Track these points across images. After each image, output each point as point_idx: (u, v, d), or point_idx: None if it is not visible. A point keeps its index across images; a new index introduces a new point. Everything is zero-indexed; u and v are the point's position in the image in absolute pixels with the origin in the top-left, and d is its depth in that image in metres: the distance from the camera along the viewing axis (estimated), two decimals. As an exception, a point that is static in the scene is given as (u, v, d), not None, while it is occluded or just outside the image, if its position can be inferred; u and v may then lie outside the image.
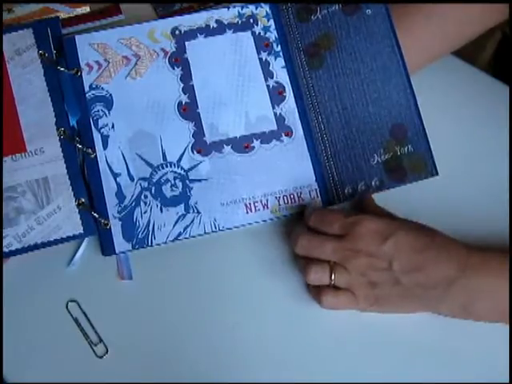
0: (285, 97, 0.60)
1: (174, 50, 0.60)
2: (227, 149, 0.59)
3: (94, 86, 0.59)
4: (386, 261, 0.51)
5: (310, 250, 0.53)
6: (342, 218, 0.52)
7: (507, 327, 0.53)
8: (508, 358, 0.52)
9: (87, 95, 0.59)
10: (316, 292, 0.54)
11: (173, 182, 0.58)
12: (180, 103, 0.59)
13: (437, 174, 0.59)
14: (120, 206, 0.57)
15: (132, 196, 0.57)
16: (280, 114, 0.60)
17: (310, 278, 0.53)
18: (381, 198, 0.59)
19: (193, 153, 0.59)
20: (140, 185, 0.58)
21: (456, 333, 0.54)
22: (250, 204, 0.58)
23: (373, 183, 0.58)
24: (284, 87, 0.60)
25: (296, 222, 0.57)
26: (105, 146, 0.58)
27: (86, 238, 0.59)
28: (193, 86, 0.60)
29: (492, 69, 0.97)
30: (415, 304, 0.53)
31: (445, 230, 0.53)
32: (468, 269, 0.50)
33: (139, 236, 0.57)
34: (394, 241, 0.51)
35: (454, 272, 0.50)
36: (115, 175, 0.58)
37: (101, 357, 0.55)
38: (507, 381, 0.52)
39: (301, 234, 0.54)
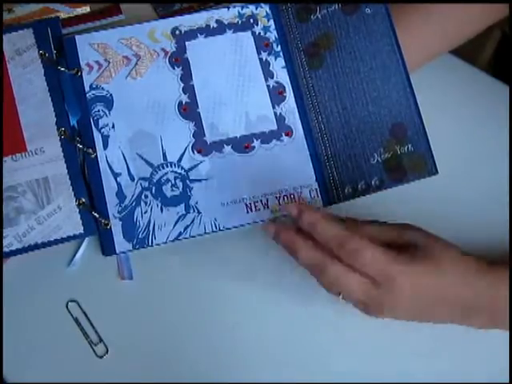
0: (285, 97, 0.60)
1: (174, 49, 0.60)
2: (227, 149, 0.59)
3: (94, 86, 0.59)
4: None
5: (334, 283, 0.50)
6: (385, 265, 0.48)
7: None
8: (508, 358, 0.52)
9: (87, 95, 0.59)
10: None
11: (173, 181, 0.58)
12: (180, 103, 0.59)
13: (437, 172, 0.58)
14: (120, 205, 0.57)
15: (132, 196, 0.57)
16: (280, 113, 0.60)
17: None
18: (380, 198, 0.59)
19: (193, 153, 0.59)
20: (140, 185, 0.58)
21: (456, 333, 0.54)
22: (250, 204, 0.58)
23: (373, 182, 0.58)
24: (284, 87, 0.60)
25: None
26: (105, 145, 0.58)
27: (87, 238, 0.59)
28: (193, 85, 0.60)
29: (492, 69, 0.97)
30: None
31: (445, 229, 0.53)
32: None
33: (139, 236, 0.57)
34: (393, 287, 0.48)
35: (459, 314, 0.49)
36: (115, 175, 0.58)
37: (101, 357, 0.55)
38: (507, 381, 0.52)
39: (321, 257, 0.49)
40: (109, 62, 0.60)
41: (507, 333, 0.53)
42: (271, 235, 0.53)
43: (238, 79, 0.60)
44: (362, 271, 0.47)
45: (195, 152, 0.59)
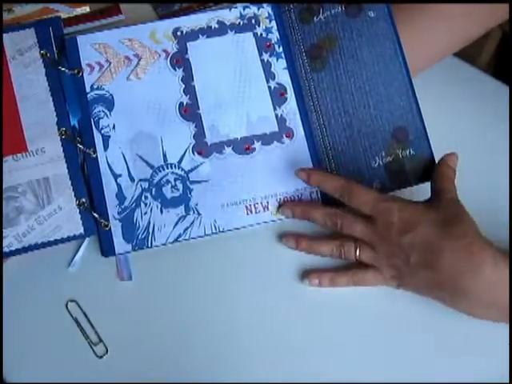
0: (286, 98, 0.60)
1: (175, 50, 0.60)
2: (228, 150, 0.59)
3: (95, 87, 0.59)
4: (404, 253, 0.52)
5: (342, 225, 0.55)
6: (376, 202, 0.53)
7: (507, 327, 0.53)
8: (508, 358, 0.52)
9: (88, 95, 0.59)
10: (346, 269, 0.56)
11: (173, 183, 0.58)
12: (181, 104, 0.59)
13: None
14: (120, 206, 0.57)
15: (132, 197, 0.57)
16: (281, 115, 0.60)
17: (336, 254, 0.56)
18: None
19: (193, 154, 0.59)
20: (140, 186, 0.58)
21: (456, 333, 0.55)
22: (250, 206, 0.58)
23: (374, 186, 0.58)
24: (285, 88, 0.60)
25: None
26: (106, 146, 0.58)
27: (87, 239, 0.59)
28: (194, 86, 0.60)
29: (492, 69, 0.98)
30: (437, 295, 0.53)
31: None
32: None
33: (139, 237, 0.57)
34: (413, 235, 0.51)
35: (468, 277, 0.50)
36: (116, 176, 0.58)
37: (101, 357, 0.55)
38: (507, 381, 0.52)
39: (332, 210, 0.56)
40: (110, 63, 0.60)
41: (507, 333, 0.53)
42: (289, 213, 0.58)
43: (239, 80, 0.60)
44: (361, 212, 0.54)
45: (195, 153, 0.59)
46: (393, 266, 0.53)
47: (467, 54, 0.70)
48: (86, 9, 0.71)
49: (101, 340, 0.55)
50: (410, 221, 0.52)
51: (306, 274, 0.57)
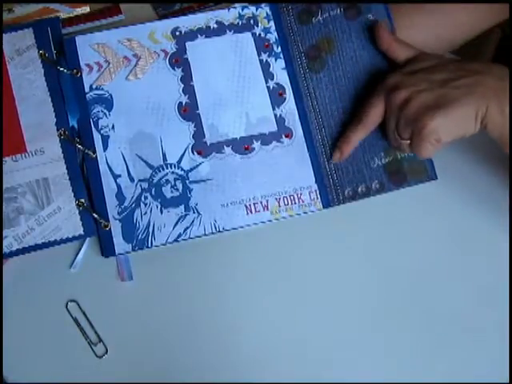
0: (285, 98, 0.60)
1: (174, 50, 0.60)
2: (227, 150, 0.59)
3: (94, 87, 0.59)
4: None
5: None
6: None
7: (507, 327, 0.53)
8: (508, 358, 0.52)
9: (87, 96, 0.59)
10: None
11: (173, 183, 0.58)
12: (180, 104, 0.59)
13: (436, 177, 0.59)
14: (120, 207, 0.57)
15: (132, 197, 0.57)
16: (280, 115, 0.60)
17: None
18: (380, 201, 0.59)
19: (193, 154, 0.59)
20: (140, 186, 0.58)
21: (456, 333, 0.55)
22: (250, 205, 0.58)
23: (373, 186, 0.58)
24: (284, 89, 0.60)
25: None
26: (105, 146, 0.58)
27: (87, 240, 0.59)
28: (193, 86, 0.60)
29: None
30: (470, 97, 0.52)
31: (445, 230, 0.53)
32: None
33: (139, 237, 0.57)
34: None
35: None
36: (115, 176, 0.58)
37: (100, 357, 0.55)
38: (507, 381, 0.52)
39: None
40: (109, 63, 0.60)
41: (507, 333, 0.53)
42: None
43: (238, 80, 0.60)
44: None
45: (195, 153, 0.59)
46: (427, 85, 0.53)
47: (467, 54, 0.70)
48: (85, 9, 0.71)
49: (101, 340, 0.55)
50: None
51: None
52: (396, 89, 0.53)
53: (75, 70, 0.59)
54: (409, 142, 0.53)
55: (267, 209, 0.58)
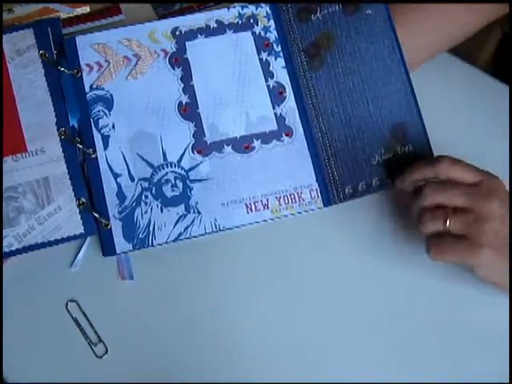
0: (285, 97, 0.60)
1: (174, 50, 0.60)
2: (227, 149, 0.59)
3: (94, 87, 0.59)
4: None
5: (438, 194, 0.52)
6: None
7: (507, 327, 0.53)
8: (508, 358, 0.52)
9: (88, 95, 0.59)
10: (435, 242, 0.52)
11: (173, 182, 0.58)
12: (180, 103, 0.59)
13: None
14: (120, 206, 0.57)
15: (132, 196, 0.57)
16: (280, 114, 0.60)
17: (427, 226, 0.52)
18: (380, 198, 0.59)
19: (193, 153, 0.59)
20: (140, 185, 0.58)
21: (456, 333, 0.54)
22: (250, 204, 0.58)
23: (373, 183, 0.58)
24: (284, 87, 0.60)
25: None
26: (105, 146, 0.58)
27: (88, 239, 0.59)
28: (193, 86, 0.60)
29: (492, 68, 0.97)
30: None
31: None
32: None
33: (140, 236, 0.57)
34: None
35: None
36: (116, 175, 0.58)
37: (100, 357, 0.55)
38: (507, 381, 0.52)
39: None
40: (109, 63, 0.60)
41: (507, 333, 0.53)
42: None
43: (238, 79, 0.60)
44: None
45: (195, 152, 0.59)
46: (488, 230, 0.50)
47: (467, 54, 0.70)
48: (86, 9, 0.71)
49: (101, 340, 0.55)
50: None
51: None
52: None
53: (75, 70, 0.59)
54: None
55: (267, 207, 0.58)
